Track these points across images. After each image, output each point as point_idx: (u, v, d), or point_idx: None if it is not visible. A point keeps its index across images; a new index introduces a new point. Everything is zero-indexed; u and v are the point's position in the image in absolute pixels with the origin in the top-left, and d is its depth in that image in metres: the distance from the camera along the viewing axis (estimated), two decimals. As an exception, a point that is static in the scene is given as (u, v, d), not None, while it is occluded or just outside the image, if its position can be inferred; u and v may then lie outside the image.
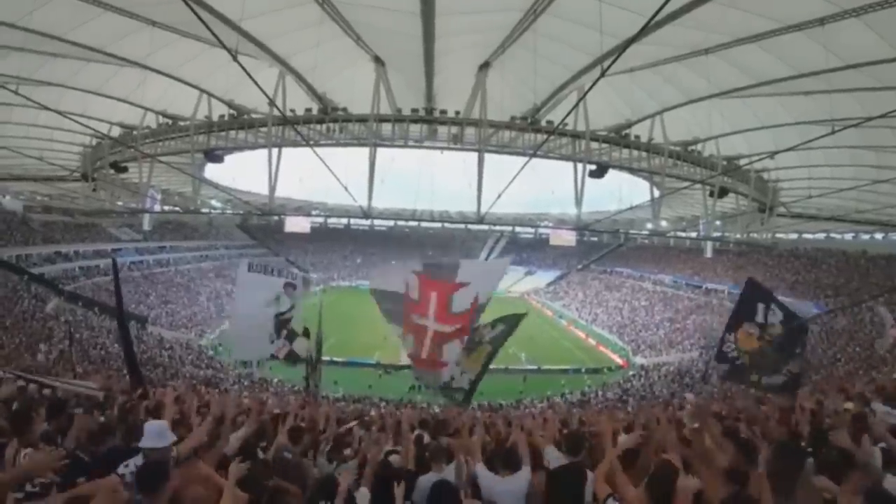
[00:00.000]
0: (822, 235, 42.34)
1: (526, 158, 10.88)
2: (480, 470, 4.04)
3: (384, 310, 10.16)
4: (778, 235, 36.79)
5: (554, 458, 4.19)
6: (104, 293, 38.26)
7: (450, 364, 8.98)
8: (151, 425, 3.66)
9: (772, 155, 17.78)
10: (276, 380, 28.91)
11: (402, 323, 9.61)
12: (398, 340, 10.08)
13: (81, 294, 37.42)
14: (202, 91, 23.94)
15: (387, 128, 24.21)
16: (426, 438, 6.77)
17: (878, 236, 38.70)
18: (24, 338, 23.71)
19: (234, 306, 10.16)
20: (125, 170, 27.11)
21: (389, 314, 10.08)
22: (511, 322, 11.07)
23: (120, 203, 36.81)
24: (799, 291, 39.58)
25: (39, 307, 29.27)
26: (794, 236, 42.28)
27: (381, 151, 24.67)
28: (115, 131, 25.82)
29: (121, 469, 3.40)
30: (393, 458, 5.00)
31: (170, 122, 26.24)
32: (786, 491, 2.63)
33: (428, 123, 24.29)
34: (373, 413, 12.09)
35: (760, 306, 8.40)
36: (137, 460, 3.46)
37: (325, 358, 18.74)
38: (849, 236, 41.25)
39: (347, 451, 6.13)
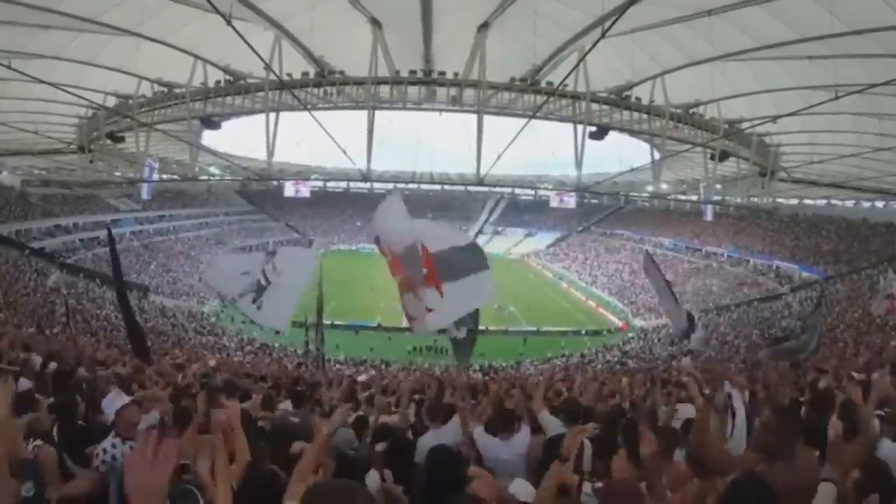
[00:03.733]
0: (822, 202, 42.02)
1: (526, 120, 10.84)
2: (479, 433, 4.02)
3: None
4: (778, 200, 36.76)
5: (552, 425, 4.14)
6: (105, 264, 38.04)
7: (435, 310, 8.95)
8: (107, 400, 3.59)
9: (774, 119, 17.61)
10: (276, 345, 29.28)
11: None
12: (397, 304, 10.15)
13: (82, 266, 37.47)
14: (197, 57, 23.51)
15: (385, 90, 23.91)
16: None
17: (879, 204, 38.25)
18: (28, 312, 23.82)
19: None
20: (122, 140, 26.88)
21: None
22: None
23: (118, 173, 36.53)
24: (798, 257, 39.68)
25: (42, 282, 29.29)
26: (794, 202, 42.05)
27: (379, 114, 24.45)
28: (111, 101, 25.38)
29: (96, 460, 3.26)
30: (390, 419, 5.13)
31: (165, 89, 25.86)
32: (786, 455, 2.65)
33: (426, 85, 23.99)
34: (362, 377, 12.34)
35: None
36: (108, 442, 3.30)
37: (326, 322, 19.11)
38: (849, 203, 40.81)
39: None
